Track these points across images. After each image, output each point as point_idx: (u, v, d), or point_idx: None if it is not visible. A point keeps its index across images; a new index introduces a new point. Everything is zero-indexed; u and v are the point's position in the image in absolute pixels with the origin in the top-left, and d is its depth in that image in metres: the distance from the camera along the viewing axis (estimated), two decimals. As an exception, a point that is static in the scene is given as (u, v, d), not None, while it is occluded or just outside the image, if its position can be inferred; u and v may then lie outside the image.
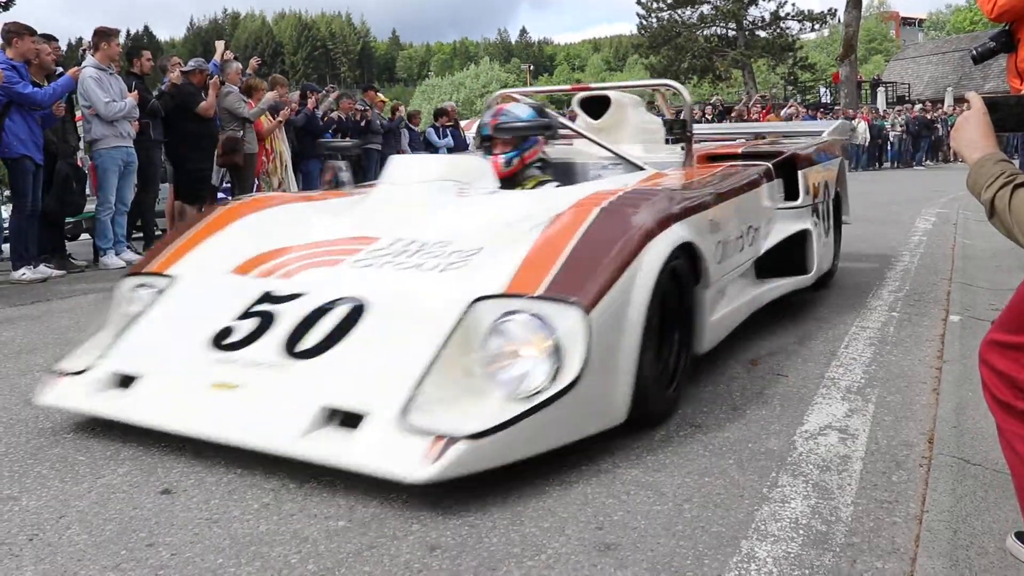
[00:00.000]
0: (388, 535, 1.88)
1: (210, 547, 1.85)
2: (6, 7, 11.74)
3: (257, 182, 8.59)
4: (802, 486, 2.09)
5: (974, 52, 2.59)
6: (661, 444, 2.39)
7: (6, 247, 6.80)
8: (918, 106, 24.36)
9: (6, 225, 6.54)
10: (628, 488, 2.10)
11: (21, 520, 2.00)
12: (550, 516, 1.96)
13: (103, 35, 6.72)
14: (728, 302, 3.20)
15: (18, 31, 5.96)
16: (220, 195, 8.72)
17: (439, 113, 12.54)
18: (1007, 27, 2.77)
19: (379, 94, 12.13)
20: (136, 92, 6.83)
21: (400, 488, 2.09)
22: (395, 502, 2.04)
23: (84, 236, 9.38)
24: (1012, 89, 3.06)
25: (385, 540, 1.86)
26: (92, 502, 2.09)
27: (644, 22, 33.83)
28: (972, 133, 1.50)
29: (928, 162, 22.71)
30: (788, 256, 3.89)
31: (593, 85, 4.85)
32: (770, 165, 3.89)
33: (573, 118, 4.59)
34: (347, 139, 8.94)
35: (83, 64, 6.66)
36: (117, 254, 6.76)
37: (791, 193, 4.03)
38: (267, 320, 2.47)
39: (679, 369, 2.70)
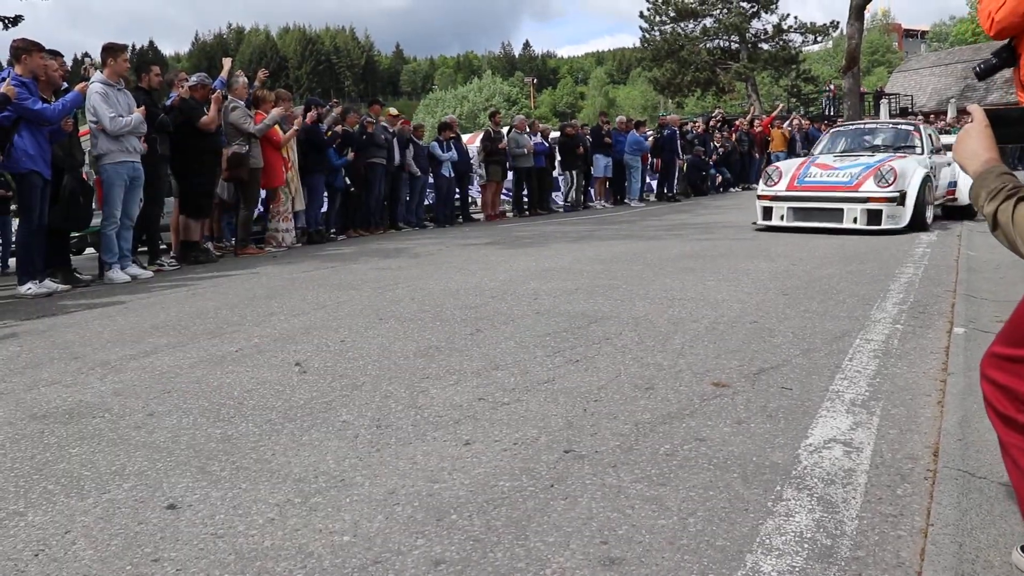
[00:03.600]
0: (393, 550, 1.88)
1: (215, 562, 1.85)
2: (14, 22, 11.87)
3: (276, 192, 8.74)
4: (807, 500, 2.09)
5: (977, 69, 2.58)
6: (665, 458, 2.39)
7: (12, 261, 6.84)
8: (920, 118, 24.38)
9: (14, 239, 6.58)
10: (633, 502, 2.10)
11: (27, 535, 2.01)
12: (554, 531, 1.96)
13: (111, 51, 6.78)
14: None
15: (27, 48, 6.02)
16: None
17: (443, 127, 12.62)
18: (1008, 42, 2.77)
19: (402, 114, 12.71)
20: (143, 107, 6.88)
21: (404, 503, 2.10)
22: (400, 517, 2.04)
23: (90, 250, 9.43)
24: (1021, 102, 3.05)
25: (390, 555, 1.86)
26: (97, 517, 2.10)
27: (647, 35, 33.89)
28: (974, 145, 1.51)
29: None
30: None
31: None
32: None
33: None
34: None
35: (91, 80, 6.72)
36: (122, 268, 6.78)
37: None
38: None
39: None
